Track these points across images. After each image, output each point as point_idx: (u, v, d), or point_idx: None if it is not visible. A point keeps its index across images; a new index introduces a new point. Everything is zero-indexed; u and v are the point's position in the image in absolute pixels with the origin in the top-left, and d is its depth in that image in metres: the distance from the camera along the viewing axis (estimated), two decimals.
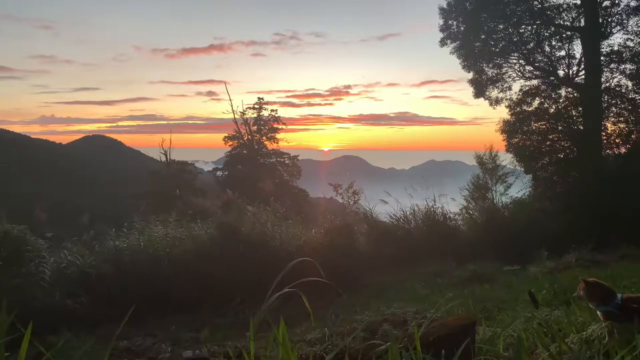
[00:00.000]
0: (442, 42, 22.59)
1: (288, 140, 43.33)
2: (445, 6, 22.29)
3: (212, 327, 7.76)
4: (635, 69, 20.74)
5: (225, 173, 41.41)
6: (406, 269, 12.56)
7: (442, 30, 22.53)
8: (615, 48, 20.90)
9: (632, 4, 20.36)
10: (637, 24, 20.51)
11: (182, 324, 8.17)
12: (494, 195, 19.15)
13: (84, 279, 8.96)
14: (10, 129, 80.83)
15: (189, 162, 40.27)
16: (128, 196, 35.58)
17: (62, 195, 50.26)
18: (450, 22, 22.32)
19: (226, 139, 41.64)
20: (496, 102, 22.78)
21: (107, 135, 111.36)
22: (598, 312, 3.46)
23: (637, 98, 20.90)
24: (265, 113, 42.14)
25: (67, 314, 7.99)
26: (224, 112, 41.46)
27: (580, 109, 21.46)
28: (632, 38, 20.68)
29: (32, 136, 75.78)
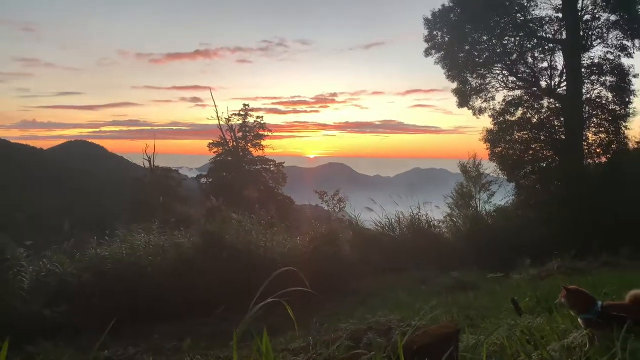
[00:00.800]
0: (427, 52, 22.84)
1: (273, 147, 43.23)
2: (430, 17, 22.56)
3: (195, 336, 7.66)
4: (615, 81, 21.21)
5: (210, 180, 41.13)
6: (391, 276, 12.59)
7: (426, 40, 22.78)
8: (596, 60, 21.43)
9: (612, 18, 20.87)
10: (616, 37, 21.04)
11: (165, 333, 8.05)
12: (478, 203, 19.32)
13: (63, 288, 8.79)
14: None
15: (173, 168, 39.96)
16: (110, 203, 35.14)
17: (42, 202, 49.42)
18: (435, 32, 22.59)
19: (211, 146, 41.38)
20: (480, 111, 23.07)
21: (90, 140, 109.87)
22: (579, 320, 3.50)
23: (617, 109, 21.34)
24: (250, 119, 42.01)
25: (46, 324, 7.82)
26: (208, 119, 41.29)
27: (562, 119, 21.84)
28: (612, 51, 21.21)
29: (12, 141, 74.38)
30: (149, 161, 36.29)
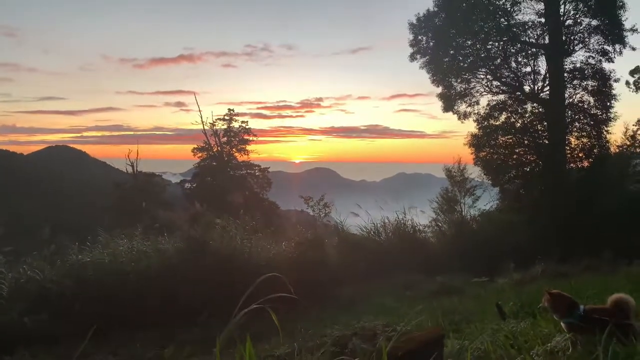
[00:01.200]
0: (412, 57, 22.99)
1: (258, 152, 43.19)
2: (415, 22, 22.73)
3: (178, 343, 7.55)
4: (597, 86, 21.55)
5: (194, 185, 40.87)
6: (376, 281, 12.57)
7: (412, 45, 22.94)
8: (578, 65, 21.77)
9: (593, 23, 21.23)
10: (598, 42, 21.39)
11: (148, 341, 7.92)
12: (463, 208, 19.43)
13: (44, 295, 8.61)
14: None
15: (157, 173, 39.69)
16: (92, 209, 34.69)
17: (22, 207, 48.58)
18: (419, 37, 22.76)
19: (195, 151, 41.16)
20: (464, 116, 23.27)
21: (72, 145, 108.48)
22: (562, 324, 3.51)
23: (599, 114, 21.66)
24: (235, 124, 41.92)
25: (25, 332, 7.64)
26: (193, 123, 41.14)
27: (545, 123, 22.09)
28: (594, 56, 21.57)
29: None
30: (132, 166, 36.00)
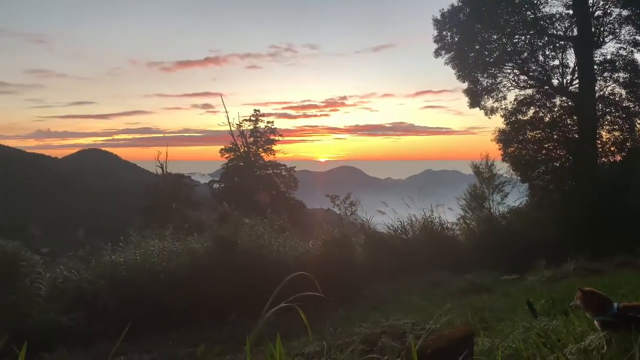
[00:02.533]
0: (437, 53, 22.75)
1: (284, 151, 43.39)
2: (439, 17, 22.49)
3: (209, 341, 7.69)
4: (629, 77, 20.94)
5: (222, 185, 41.33)
6: (404, 279, 12.53)
7: (436, 41, 22.70)
8: (609, 57, 21.16)
9: (624, 13, 20.63)
10: (629, 32, 20.78)
11: (179, 339, 8.10)
12: (491, 205, 19.14)
13: (79, 295, 8.88)
14: (6, 144, 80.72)
15: (186, 174, 40.29)
16: (124, 210, 35.47)
17: (58, 210, 50.04)
18: (444, 33, 22.51)
19: (222, 151, 41.62)
20: (491, 111, 22.91)
21: (103, 149, 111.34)
22: (595, 322, 3.45)
23: (631, 106, 21.07)
24: (261, 125, 42.21)
25: (62, 331, 7.90)
26: (220, 125, 41.57)
27: (575, 117, 21.60)
28: (625, 47, 20.94)
29: (28, 151, 75.59)
30: (162, 168, 36.64)
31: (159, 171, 36.84)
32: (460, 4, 22.03)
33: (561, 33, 21.57)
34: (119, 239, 10.95)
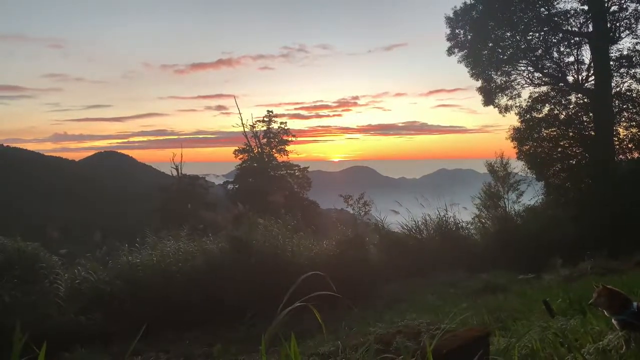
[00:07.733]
0: (450, 51, 22.64)
1: (298, 152, 43.51)
2: (451, 15, 22.37)
3: (225, 341, 7.75)
4: None
5: (236, 186, 41.57)
6: (419, 279, 12.47)
7: (449, 39, 22.59)
8: (625, 52, 20.87)
9: None
10: None
11: (195, 339, 8.17)
12: (507, 204, 18.99)
13: (97, 295, 9.00)
14: (24, 147, 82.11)
15: (200, 176, 40.55)
16: (140, 211, 35.82)
17: (75, 212, 50.72)
18: (457, 30, 22.38)
19: (236, 153, 41.88)
20: (505, 109, 22.74)
21: (119, 151, 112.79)
22: (614, 321, 3.42)
23: None
24: (274, 125, 42.40)
25: (80, 331, 8.02)
26: (233, 126, 41.87)
27: (591, 114, 21.32)
28: None
29: (45, 154, 76.86)
30: (177, 169, 36.97)
31: (174, 173, 37.20)
32: (472, 2, 21.91)
33: (576, 29, 21.32)
34: (136, 240, 11.07)
